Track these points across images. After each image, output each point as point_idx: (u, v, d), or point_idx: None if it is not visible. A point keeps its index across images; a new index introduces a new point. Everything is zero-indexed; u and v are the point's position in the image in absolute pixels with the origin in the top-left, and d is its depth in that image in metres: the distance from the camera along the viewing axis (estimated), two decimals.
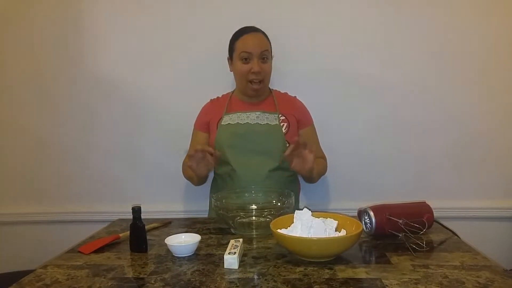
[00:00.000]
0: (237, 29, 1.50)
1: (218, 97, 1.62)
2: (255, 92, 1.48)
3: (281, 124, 1.49)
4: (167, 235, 1.14)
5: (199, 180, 1.51)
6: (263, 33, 1.48)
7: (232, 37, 1.49)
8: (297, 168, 1.31)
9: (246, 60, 1.43)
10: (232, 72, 1.54)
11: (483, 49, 1.68)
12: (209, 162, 1.34)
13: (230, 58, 1.51)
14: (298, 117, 1.53)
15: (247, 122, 1.49)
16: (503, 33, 1.67)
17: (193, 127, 1.60)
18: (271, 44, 1.50)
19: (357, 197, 1.72)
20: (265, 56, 1.44)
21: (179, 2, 1.74)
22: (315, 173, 1.40)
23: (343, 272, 0.95)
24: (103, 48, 1.79)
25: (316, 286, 0.88)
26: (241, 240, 1.09)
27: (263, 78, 1.45)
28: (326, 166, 1.58)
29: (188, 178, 1.55)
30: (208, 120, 1.55)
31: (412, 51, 1.70)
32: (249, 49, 1.42)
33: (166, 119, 1.80)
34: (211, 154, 1.33)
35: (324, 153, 1.61)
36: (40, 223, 1.88)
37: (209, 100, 1.62)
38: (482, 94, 1.71)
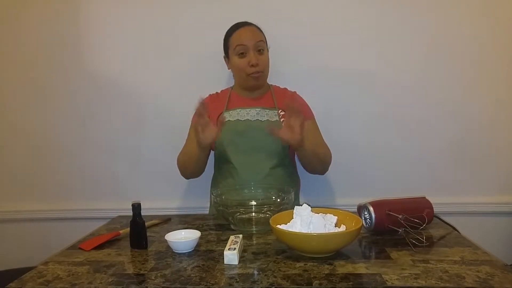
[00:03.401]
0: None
1: (217, 92, 1.60)
2: (256, 81, 1.45)
3: (281, 119, 1.47)
4: (167, 232, 1.14)
5: (198, 160, 1.42)
6: (256, 26, 1.47)
7: (225, 34, 1.49)
8: (285, 137, 1.24)
9: (242, 54, 1.42)
10: (230, 70, 1.53)
11: (482, 46, 1.67)
12: (213, 129, 1.27)
13: (227, 55, 1.50)
14: None
15: (247, 119, 1.47)
16: (502, 29, 1.66)
17: (191, 122, 1.56)
18: (265, 36, 1.48)
19: (357, 193, 1.72)
20: (261, 47, 1.43)
21: None
22: (310, 149, 1.32)
23: (343, 268, 0.95)
24: (102, 46, 1.79)
25: (316, 282, 0.88)
26: (240, 236, 1.10)
27: (262, 70, 1.44)
28: (330, 155, 1.48)
29: (186, 161, 1.47)
30: (207, 115, 1.53)
31: (411, 48, 1.69)
32: (243, 42, 1.41)
33: (165, 116, 1.80)
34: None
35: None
36: (41, 220, 1.88)
37: (207, 95, 1.59)
38: (481, 90, 1.70)
